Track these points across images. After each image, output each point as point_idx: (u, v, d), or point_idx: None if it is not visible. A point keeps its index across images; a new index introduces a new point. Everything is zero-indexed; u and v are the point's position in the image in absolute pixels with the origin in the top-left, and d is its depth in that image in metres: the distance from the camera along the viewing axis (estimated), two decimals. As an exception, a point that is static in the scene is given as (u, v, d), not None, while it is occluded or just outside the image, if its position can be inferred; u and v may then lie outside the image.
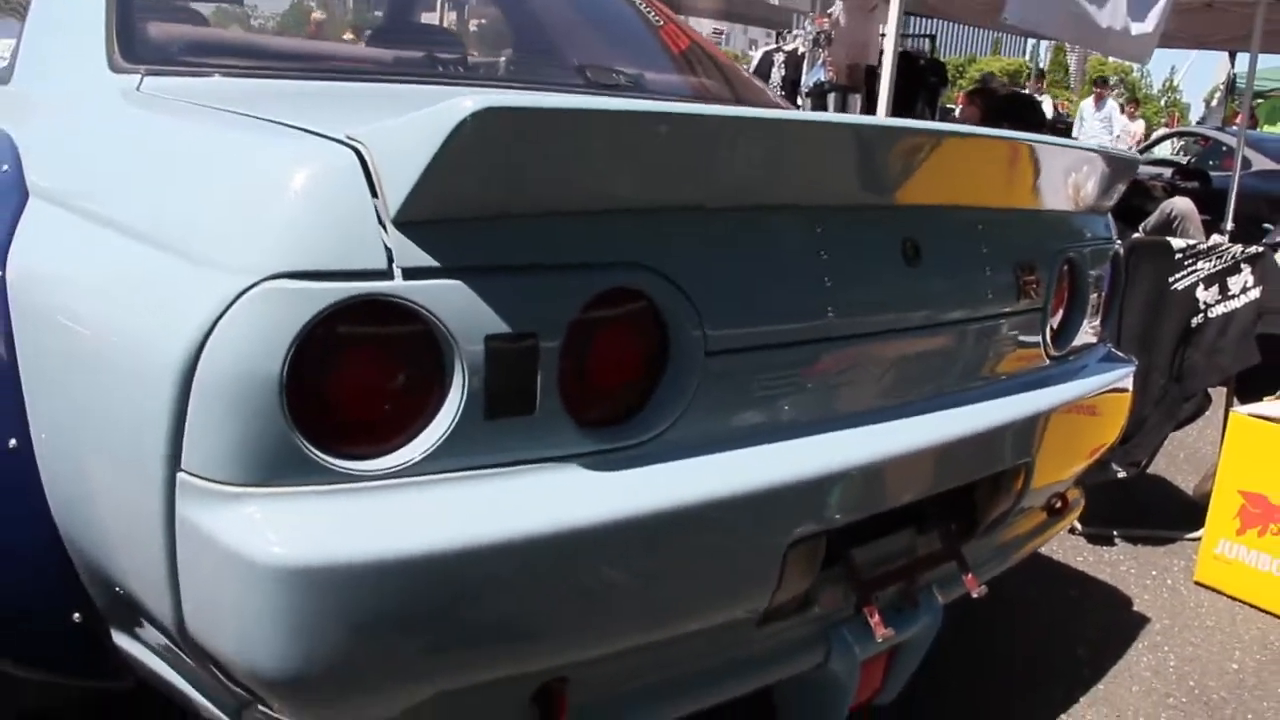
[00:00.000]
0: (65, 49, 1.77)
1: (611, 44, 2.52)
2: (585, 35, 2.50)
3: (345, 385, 1.11)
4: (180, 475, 1.10)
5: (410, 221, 1.09)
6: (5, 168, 1.54)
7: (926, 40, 11.71)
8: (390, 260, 1.09)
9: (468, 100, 1.04)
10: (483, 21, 2.78)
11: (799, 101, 9.16)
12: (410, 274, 1.10)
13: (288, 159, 1.14)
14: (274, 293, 1.05)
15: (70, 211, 1.40)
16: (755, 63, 10.72)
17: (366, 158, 1.10)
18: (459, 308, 1.12)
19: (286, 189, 1.10)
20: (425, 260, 1.10)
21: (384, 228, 1.09)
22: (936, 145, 1.56)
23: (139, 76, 1.61)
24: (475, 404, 1.14)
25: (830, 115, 1.59)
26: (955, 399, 1.67)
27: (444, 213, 1.11)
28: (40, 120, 1.66)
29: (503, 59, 2.07)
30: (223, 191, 1.19)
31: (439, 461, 1.14)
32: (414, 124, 1.08)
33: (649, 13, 2.69)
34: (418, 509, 1.12)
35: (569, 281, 1.20)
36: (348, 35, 2.44)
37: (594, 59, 2.28)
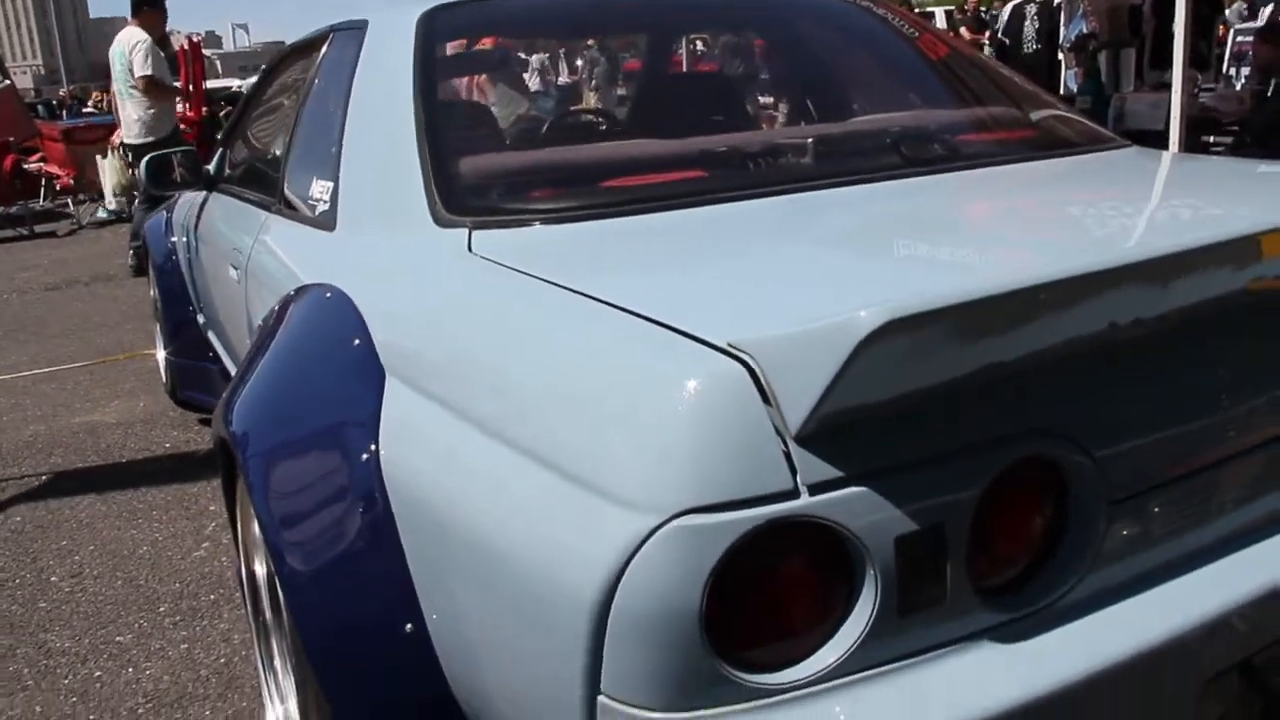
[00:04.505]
0: (386, 197, 1.78)
1: (896, 88, 2.37)
2: (868, 84, 2.37)
3: (760, 606, 1.08)
4: (600, 699, 1.11)
5: (810, 435, 1.05)
6: (357, 342, 1.58)
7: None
8: (795, 478, 1.05)
9: (865, 312, 0.97)
10: (762, 84, 2.67)
11: (1059, 56, 8.56)
12: (815, 489, 1.05)
13: (673, 381, 1.08)
14: (687, 531, 1.02)
15: (431, 400, 1.42)
16: (1005, 17, 9.88)
17: (756, 370, 1.06)
18: (867, 514, 1.06)
19: (680, 416, 1.05)
20: (828, 472, 1.05)
21: (784, 445, 1.05)
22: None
23: (466, 231, 1.60)
24: (889, 604, 1.09)
25: (1228, 233, 1.28)
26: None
27: (842, 420, 1.05)
28: (376, 281, 1.69)
29: (810, 142, 1.94)
30: (605, 409, 1.15)
31: (852, 663, 1.10)
32: (807, 339, 1.02)
33: (902, 25, 2.51)
34: (836, 713, 1.08)
35: (972, 463, 1.12)
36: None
37: (890, 117, 2.15)
